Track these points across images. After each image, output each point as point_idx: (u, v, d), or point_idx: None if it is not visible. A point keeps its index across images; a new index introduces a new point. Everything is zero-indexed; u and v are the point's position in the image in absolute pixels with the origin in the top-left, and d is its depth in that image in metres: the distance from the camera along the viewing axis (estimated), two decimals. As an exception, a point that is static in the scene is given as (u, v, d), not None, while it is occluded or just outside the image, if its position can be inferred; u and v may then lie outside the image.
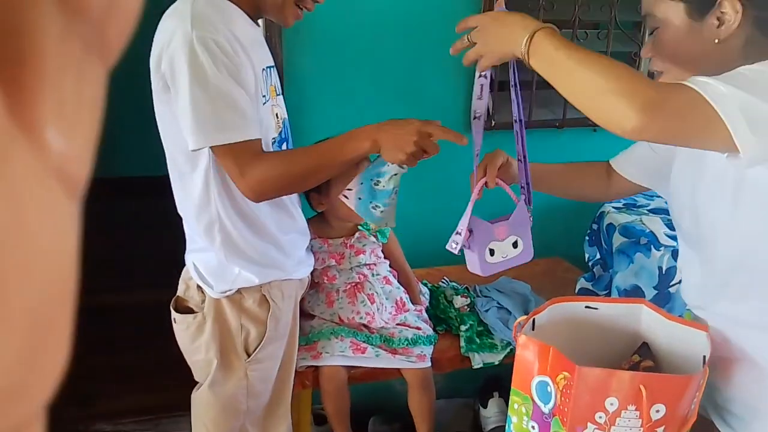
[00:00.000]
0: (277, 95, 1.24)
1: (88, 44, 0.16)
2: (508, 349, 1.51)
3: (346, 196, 1.15)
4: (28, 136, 0.14)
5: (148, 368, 2.00)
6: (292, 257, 1.28)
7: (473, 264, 1.16)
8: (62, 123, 0.15)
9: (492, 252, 1.14)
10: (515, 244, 1.15)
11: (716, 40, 0.89)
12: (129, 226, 2.86)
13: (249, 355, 1.24)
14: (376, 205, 1.17)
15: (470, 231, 1.12)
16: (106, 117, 0.17)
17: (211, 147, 1.06)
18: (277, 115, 1.22)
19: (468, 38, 1.03)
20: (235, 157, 1.05)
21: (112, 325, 2.31)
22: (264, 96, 1.15)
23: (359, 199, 1.16)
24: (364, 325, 1.45)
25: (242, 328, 1.23)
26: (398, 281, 1.54)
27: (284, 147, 1.25)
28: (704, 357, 0.99)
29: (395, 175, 1.17)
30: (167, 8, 1.09)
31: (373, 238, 1.50)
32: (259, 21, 1.23)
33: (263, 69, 1.16)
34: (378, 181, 1.16)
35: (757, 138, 0.78)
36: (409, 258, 1.62)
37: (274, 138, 1.20)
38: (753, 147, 0.78)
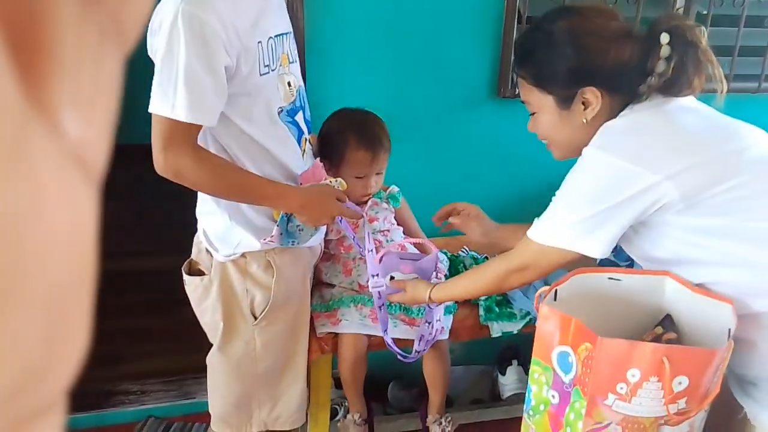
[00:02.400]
0: (291, 63, 1.22)
1: (104, 31, 0.15)
2: (527, 319, 1.50)
3: (267, 244, 1.22)
4: (46, 120, 0.14)
5: (171, 331, 2.04)
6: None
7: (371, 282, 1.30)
8: (79, 108, 0.15)
9: (392, 278, 1.30)
10: None
11: (584, 121, 1.06)
12: (151, 192, 2.90)
13: (256, 319, 1.26)
14: (292, 241, 1.26)
15: (381, 258, 1.29)
16: (125, 85, 0.17)
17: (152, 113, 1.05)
18: (289, 83, 1.20)
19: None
20: (166, 133, 1.03)
21: (136, 289, 2.35)
22: (267, 65, 1.13)
23: (280, 244, 1.23)
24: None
25: (247, 293, 1.26)
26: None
27: (299, 115, 1.24)
28: (729, 330, 0.98)
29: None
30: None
31: (385, 204, 1.50)
32: None
33: (271, 38, 1.14)
34: (289, 224, 1.24)
35: (591, 238, 1.01)
36: (428, 227, 1.61)
37: (281, 107, 1.19)
38: (591, 247, 1.02)
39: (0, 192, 0.13)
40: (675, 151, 0.99)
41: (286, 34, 1.22)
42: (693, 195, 0.98)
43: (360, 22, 1.73)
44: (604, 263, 1.74)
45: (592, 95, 1.04)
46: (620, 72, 1.03)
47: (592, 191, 1.02)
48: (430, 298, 1.25)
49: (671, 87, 1.03)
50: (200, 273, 1.28)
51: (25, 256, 0.13)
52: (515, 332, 1.50)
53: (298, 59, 1.28)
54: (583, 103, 1.06)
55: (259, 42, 1.10)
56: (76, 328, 0.16)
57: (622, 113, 1.05)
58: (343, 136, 1.37)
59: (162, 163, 1.05)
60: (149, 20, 1.06)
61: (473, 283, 1.21)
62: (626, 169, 0.99)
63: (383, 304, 1.33)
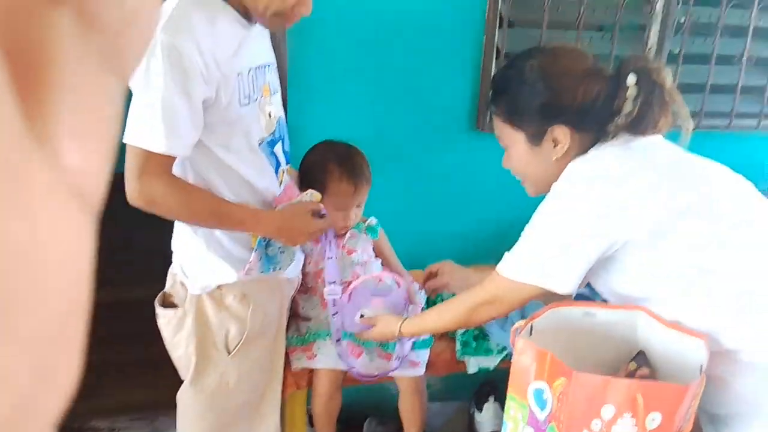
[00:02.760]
0: (272, 94, 1.23)
1: (105, 60, 0.16)
2: (503, 354, 1.50)
3: (247, 274, 1.21)
4: (45, 150, 0.14)
5: (142, 365, 1.99)
6: None
7: (345, 319, 1.32)
8: (79, 138, 0.15)
9: (362, 316, 1.31)
10: None
11: (555, 158, 1.08)
12: (126, 221, 2.86)
13: (230, 352, 1.24)
14: (272, 267, 1.26)
15: (350, 294, 1.31)
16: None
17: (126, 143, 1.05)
18: (269, 114, 1.21)
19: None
20: (141, 163, 1.03)
21: (106, 321, 2.30)
22: (247, 96, 1.14)
23: (261, 271, 1.23)
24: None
25: (222, 325, 1.24)
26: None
27: (278, 146, 1.24)
28: (701, 366, 0.99)
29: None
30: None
31: (364, 236, 1.50)
32: None
33: (252, 69, 1.15)
34: (268, 250, 1.24)
35: (562, 274, 1.03)
36: (405, 260, 1.61)
37: (262, 138, 1.19)
38: (557, 283, 1.04)
39: None
40: (640, 191, 1.01)
41: (269, 65, 1.23)
42: (656, 233, 1.00)
43: (342, 55, 1.75)
44: (581, 297, 1.75)
45: (562, 133, 1.07)
46: (588, 110, 1.06)
47: (559, 228, 1.03)
48: (400, 332, 1.25)
49: (638, 126, 1.05)
50: (174, 306, 1.26)
51: (19, 289, 0.13)
52: (492, 368, 1.50)
53: (279, 90, 1.28)
54: (553, 141, 1.08)
55: (239, 73, 1.11)
56: (68, 362, 0.15)
57: (590, 151, 1.07)
58: (325, 167, 1.37)
59: (135, 192, 1.04)
60: None
61: (442, 316, 1.21)
62: (591, 207, 1.01)
63: (336, 313, 1.34)
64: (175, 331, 1.25)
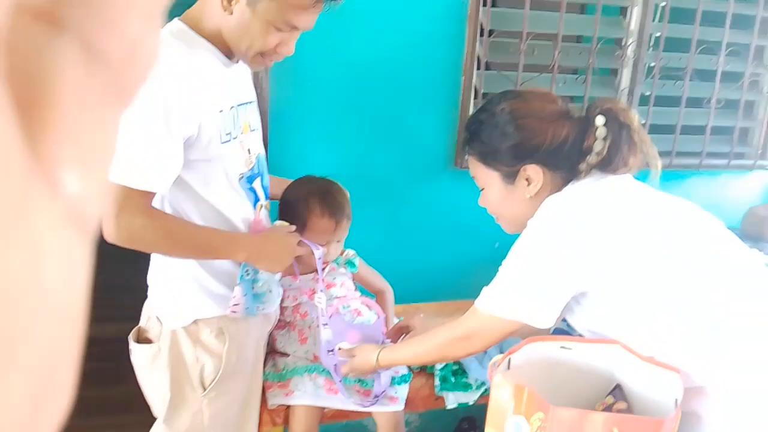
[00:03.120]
0: (252, 131, 1.23)
1: (106, 89, 0.16)
2: (482, 389, 1.49)
3: (234, 311, 1.21)
4: (47, 179, 0.14)
5: (114, 403, 1.94)
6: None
7: (321, 352, 1.33)
8: (80, 167, 0.15)
9: (339, 348, 1.32)
10: None
11: (529, 196, 1.11)
12: (104, 256, 2.83)
13: (205, 389, 1.22)
14: (258, 306, 1.26)
15: (326, 324, 1.32)
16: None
17: None
18: (249, 150, 1.21)
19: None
20: (119, 200, 1.02)
21: (86, 357, 2.24)
22: (228, 133, 1.14)
23: (246, 308, 1.23)
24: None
25: (198, 361, 1.21)
26: (377, 299, 1.55)
27: (257, 181, 1.25)
28: (676, 400, 1.00)
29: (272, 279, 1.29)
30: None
31: (342, 270, 1.50)
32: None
33: (233, 107, 1.16)
34: (254, 287, 1.24)
35: (536, 305, 1.04)
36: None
37: (242, 174, 1.19)
38: (534, 317, 1.05)
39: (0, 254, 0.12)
40: (611, 230, 1.03)
41: (250, 102, 1.24)
42: (627, 271, 1.02)
43: (323, 94, 1.78)
44: (558, 332, 1.76)
45: (534, 172, 1.10)
46: (559, 150, 1.10)
47: (535, 264, 1.05)
48: (378, 361, 1.25)
49: (609, 165, 1.09)
50: (148, 341, 1.24)
51: (19, 318, 0.13)
52: (471, 403, 1.49)
53: (260, 128, 1.29)
54: (526, 179, 1.11)
55: (220, 110, 1.12)
56: (63, 390, 0.15)
57: (565, 188, 1.10)
58: (306, 203, 1.38)
59: (114, 229, 1.03)
60: None
61: (420, 349, 1.21)
62: (565, 245, 1.03)
63: (326, 324, 1.34)
64: (148, 367, 1.23)
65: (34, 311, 0.14)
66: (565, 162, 1.10)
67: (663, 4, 2.02)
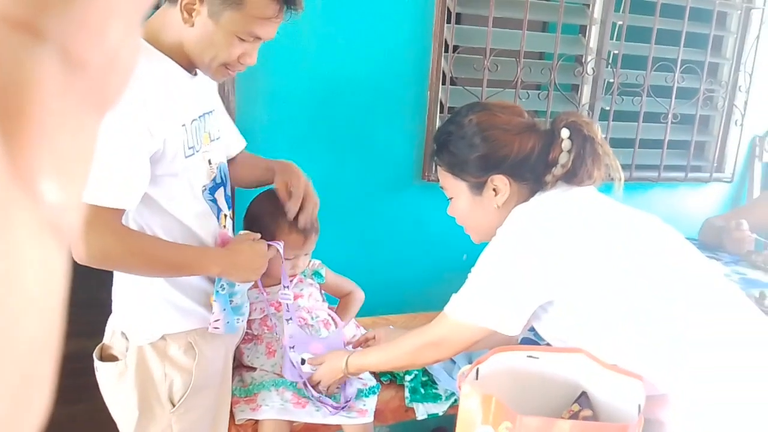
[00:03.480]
0: (212, 140, 1.22)
1: (86, 97, 0.16)
2: (452, 400, 1.50)
3: (216, 327, 1.20)
4: (26, 188, 0.14)
5: (79, 423, 1.88)
6: None
7: (285, 369, 1.35)
8: (58, 176, 0.15)
9: (303, 362, 1.35)
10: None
11: (496, 206, 1.14)
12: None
13: (174, 405, 1.20)
14: (238, 318, 1.26)
15: (290, 337, 1.34)
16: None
17: None
18: (209, 161, 1.20)
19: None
20: (89, 219, 1.00)
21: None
22: (192, 147, 1.13)
23: (227, 323, 1.22)
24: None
25: (166, 377, 1.19)
26: (341, 301, 1.55)
27: (219, 191, 1.24)
28: (639, 405, 1.02)
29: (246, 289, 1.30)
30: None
31: (309, 281, 1.50)
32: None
33: (195, 119, 1.15)
34: (232, 300, 1.23)
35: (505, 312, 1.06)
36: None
37: (205, 185, 1.19)
38: (502, 324, 1.07)
39: None
40: (576, 240, 1.06)
41: (210, 112, 1.23)
42: (591, 280, 1.05)
43: (291, 107, 1.79)
44: (525, 341, 1.79)
45: (501, 182, 1.13)
46: (525, 162, 1.13)
47: (503, 271, 1.07)
48: (347, 366, 1.25)
49: (574, 176, 1.12)
50: (113, 358, 1.22)
51: (0, 324, 0.13)
52: (441, 414, 1.49)
53: (223, 135, 1.28)
54: (493, 190, 1.14)
55: (183, 125, 1.11)
56: (41, 392, 0.15)
57: (531, 199, 1.13)
58: (274, 218, 1.37)
59: (84, 250, 1.00)
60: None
61: (389, 354, 1.22)
62: (532, 253, 1.05)
63: (290, 318, 1.35)
64: (115, 385, 1.20)
65: (14, 318, 0.14)
66: (531, 173, 1.13)
67: (620, 23, 2.09)
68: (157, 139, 1.05)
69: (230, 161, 1.37)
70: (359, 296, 1.60)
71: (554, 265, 1.04)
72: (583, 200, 1.13)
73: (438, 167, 1.22)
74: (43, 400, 0.16)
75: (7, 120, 0.14)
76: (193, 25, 1.05)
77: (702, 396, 1.04)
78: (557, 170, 1.12)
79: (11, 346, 0.14)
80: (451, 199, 1.22)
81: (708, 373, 1.04)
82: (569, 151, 1.11)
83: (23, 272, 0.14)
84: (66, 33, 0.15)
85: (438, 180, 1.93)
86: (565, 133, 1.12)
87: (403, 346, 1.19)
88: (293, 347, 1.34)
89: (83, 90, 0.16)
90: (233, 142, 1.40)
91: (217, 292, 1.18)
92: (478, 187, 1.15)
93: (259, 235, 1.25)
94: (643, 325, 1.05)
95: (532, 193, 1.14)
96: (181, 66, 1.11)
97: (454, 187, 1.19)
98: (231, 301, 1.22)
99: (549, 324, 1.13)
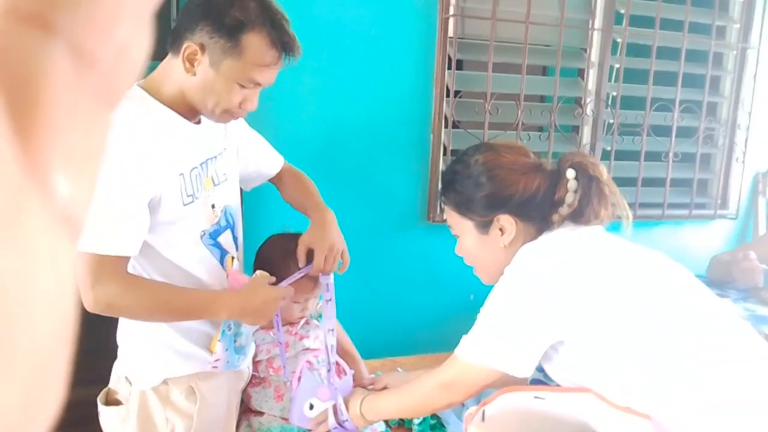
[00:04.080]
0: (216, 185, 1.23)
1: (96, 94, 0.16)
2: (461, 443, 1.48)
3: (215, 367, 1.20)
4: (38, 182, 0.14)
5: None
6: None
7: (292, 414, 1.32)
8: (70, 170, 0.15)
9: (311, 407, 1.32)
10: (335, 408, 1.32)
11: (503, 245, 1.14)
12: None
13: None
14: (240, 357, 1.27)
15: (299, 380, 1.32)
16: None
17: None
18: (213, 205, 1.21)
19: None
20: (95, 269, 1.02)
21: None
22: (191, 195, 1.15)
23: (227, 362, 1.23)
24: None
25: (168, 422, 1.18)
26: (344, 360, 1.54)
27: (224, 234, 1.25)
28: (649, 446, 1.01)
29: (252, 331, 1.31)
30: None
31: (316, 323, 1.51)
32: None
33: (195, 167, 1.16)
34: (236, 340, 1.24)
35: (514, 355, 1.05)
36: (363, 349, 1.61)
37: (204, 230, 1.19)
38: (512, 366, 1.06)
39: None
40: (585, 280, 1.06)
41: (215, 156, 1.24)
42: (602, 319, 1.04)
43: (297, 150, 1.82)
44: (534, 382, 1.77)
45: (507, 222, 1.14)
46: (531, 201, 1.14)
47: (512, 312, 1.07)
48: (362, 413, 1.25)
49: (580, 216, 1.13)
50: (118, 403, 1.22)
51: (13, 320, 0.13)
52: (450, 457, 1.47)
53: (230, 177, 1.29)
54: (500, 229, 1.15)
55: (181, 174, 1.13)
56: (55, 389, 0.15)
57: (539, 238, 1.14)
58: (285, 263, 1.38)
59: (92, 300, 1.02)
60: None
61: (401, 399, 1.21)
62: (541, 293, 1.05)
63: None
64: (117, 430, 1.20)
65: (28, 312, 0.14)
66: (537, 213, 1.14)
67: (617, 65, 2.14)
68: (156, 188, 1.07)
69: (276, 181, 1.45)
70: (362, 365, 1.58)
71: (563, 302, 1.04)
72: (590, 239, 1.13)
73: (445, 206, 1.23)
74: (57, 394, 0.15)
75: (20, 114, 0.14)
76: (194, 75, 1.09)
77: None
78: (564, 210, 1.12)
79: (25, 339, 0.14)
80: (457, 237, 1.23)
81: (719, 409, 1.03)
82: (575, 191, 1.12)
83: (36, 265, 0.14)
84: (76, 28, 0.15)
85: (444, 221, 1.96)
86: (570, 173, 1.13)
87: (414, 391, 1.18)
88: (299, 383, 1.32)
89: (93, 85, 0.16)
90: (269, 164, 1.45)
91: (223, 332, 1.19)
92: (485, 226, 1.16)
93: (274, 279, 1.25)
94: (648, 363, 1.05)
95: (539, 233, 1.15)
96: (183, 115, 1.14)
97: (461, 225, 1.20)
98: (235, 341, 1.22)
99: (560, 364, 1.12)
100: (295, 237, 1.44)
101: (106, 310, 1.05)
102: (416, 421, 1.51)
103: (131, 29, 0.17)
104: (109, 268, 1.02)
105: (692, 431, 1.04)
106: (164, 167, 1.09)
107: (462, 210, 1.18)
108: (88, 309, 1.03)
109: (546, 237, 1.13)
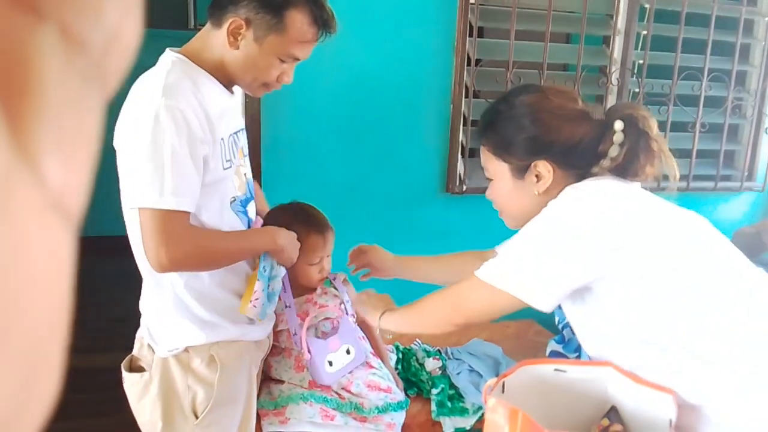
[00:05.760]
0: (245, 156, 1.28)
1: (87, 77, 0.16)
2: (479, 414, 1.49)
3: (255, 306, 1.23)
4: (28, 167, 0.14)
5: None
6: (242, 318, 1.27)
7: (318, 377, 1.36)
8: (61, 155, 0.15)
9: (331, 363, 1.36)
10: (348, 351, 1.38)
11: (537, 193, 1.10)
12: (92, 287, 2.81)
13: (197, 417, 1.21)
14: (269, 307, 1.29)
15: (309, 351, 1.36)
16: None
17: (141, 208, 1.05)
18: (245, 174, 1.26)
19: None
20: (164, 226, 1.04)
21: (72, 388, 2.22)
22: (229, 160, 1.18)
23: (263, 305, 1.25)
24: (335, 392, 1.43)
25: (189, 389, 1.20)
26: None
27: (250, 205, 1.28)
28: (670, 420, 1.00)
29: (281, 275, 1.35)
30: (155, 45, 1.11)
31: (335, 291, 1.51)
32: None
33: (231, 134, 1.20)
34: (270, 285, 1.27)
35: (540, 289, 1.02)
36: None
37: (235, 197, 1.22)
38: (536, 297, 1.02)
39: None
40: (626, 226, 1.01)
41: (242, 130, 1.29)
42: (634, 271, 1.00)
43: (317, 122, 1.81)
44: (553, 354, 1.77)
45: (545, 168, 1.08)
46: (573, 150, 1.08)
47: (543, 245, 1.03)
48: (379, 323, 1.27)
49: (624, 171, 1.07)
50: (141, 370, 1.24)
51: (5, 305, 0.13)
52: (468, 428, 1.48)
53: (248, 153, 1.33)
54: (536, 176, 1.10)
55: (222, 138, 1.16)
56: (51, 375, 0.15)
57: (583, 182, 1.08)
58: (291, 225, 1.39)
59: (165, 258, 1.04)
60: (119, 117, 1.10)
61: (421, 318, 1.23)
62: (576, 230, 1.01)
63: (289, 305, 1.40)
64: (140, 395, 1.23)
65: (21, 298, 0.14)
66: (578, 162, 1.08)
67: (644, 32, 2.08)
68: (207, 147, 1.10)
69: None
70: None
71: (599, 245, 1.00)
72: (635, 193, 1.08)
73: (482, 146, 1.17)
74: (51, 382, 0.15)
75: (9, 99, 0.14)
76: (238, 48, 1.11)
77: (740, 410, 1.01)
78: (606, 162, 1.06)
79: (19, 326, 0.14)
80: (490, 180, 1.18)
81: (754, 395, 1.01)
82: (621, 145, 1.06)
83: (27, 251, 0.14)
84: (66, 12, 0.15)
85: (463, 192, 1.94)
86: (618, 125, 1.06)
87: (435, 312, 1.19)
88: (311, 353, 1.35)
89: (83, 69, 0.16)
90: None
91: (261, 272, 1.22)
92: (521, 171, 1.11)
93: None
94: (678, 330, 1.01)
95: (576, 183, 1.09)
96: (221, 84, 1.17)
97: (496, 168, 1.14)
98: (269, 285, 1.24)
99: (584, 314, 1.08)
100: (293, 204, 1.45)
101: (178, 264, 1.07)
102: (434, 392, 1.52)
103: (121, 13, 0.16)
104: (177, 224, 1.05)
105: (714, 406, 1.03)
106: (211, 130, 1.11)
107: (500, 152, 1.13)
108: (159, 269, 1.05)
109: (591, 181, 1.08)
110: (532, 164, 1.09)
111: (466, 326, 1.16)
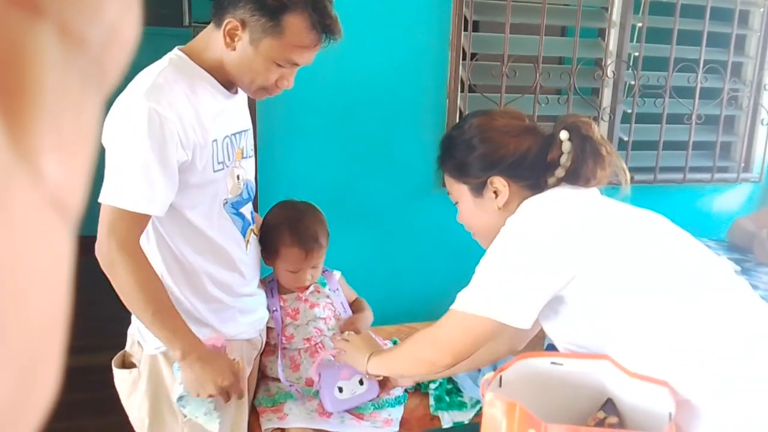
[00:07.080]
0: (244, 158, 1.26)
1: (86, 75, 0.16)
2: (477, 408, 1.49)
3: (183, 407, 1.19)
4: (27, 165, 0.14)
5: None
6: (232, 317, 1.27)
7: (325, 401, 1.35)
8: (60, 152, 0.15)
9: (341, 389, 1.35)
10: (361, 382, 1.37)
11: (497, 208, 1.15)
12: (87, 286, 2.81)
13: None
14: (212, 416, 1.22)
15: (319, 374, 1.35)
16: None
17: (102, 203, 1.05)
18: (238, 176, 1.24)
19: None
20: (114, 221, 1.03)
21: (68, 387, 2.21)
22: (221, 162, 1.17)
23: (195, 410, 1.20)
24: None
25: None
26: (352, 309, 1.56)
27: (246, 207, 1.27)
28: (670, 414, 1.00)
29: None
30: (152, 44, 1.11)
31: (327, 291, 1.51)
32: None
33: (227, 136, 1.19)
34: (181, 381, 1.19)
35: (515, 305, 1.04)
36: (379, 315, 1.62)
37: (226, 199, 1.21)
38: (510, 316, 1.04)
39: None
40: (590, 229, 1.05)
41: (245, 131, 1.27)
42: (604, 274, 1.03)
43: (311, 118, 1.81)
44: (550, 348, 1.77)
45: (500, 183, 1.14)
46: (522, 162, 1.14)
47: (510, 262, 1.06)
48: (367, 366, 1.28)
49: (576, 178, 1.12)
50: (133, 366, 1.24)
51: (4, 303, 0.13)
52: (466, 422, 1.49)
53: (253, 155, 1.32)
54: (494, 192, 1.15)
55: (214, 140, 1.15)
56: (48, 373, 0.15)
57: (540, 194, 1.13)
58: (278, 232, 1.39)
59: (105, 249, 1.05)
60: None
61: (409, 363, 1.24)
62: (541, 240, 1.04)
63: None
64: (129, 392, 1.23)
65: (15, 296, 0.14)
66: (530, 174, 1.14)
67: (640, 25, 2.07)
68: (187, 151, 1.09)
69: None
70: (368, 316, 1.59)
71: (564, 250, 1.03)
72: (590, 198, 1.13)
73: (444, 173, 1.24)
74: (51, 378, 0.15)
75: (8, 96, 0.14)
76: (234, 50, 1.10)
77: (732, 406, 1.02)
78: (559, 171, 1.12)
79: (17, 322, 0.13)
80: (456, 203, 1.23)
81: (737, 383, 1.02)
82: (569, 152, 1.12)
83: (26, 248, 0.14)
84: (65, 9, 0.15)
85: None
86: (564, 134, 1.12)
87: (404, 347, 1.21)
88: (320, 376, 1.34)
89: (83, 67, 0.16)
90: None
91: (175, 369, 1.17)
92: (479, 189, 1.17)
93: (241, 374, 1.22)
94: (660, 325, 1.03)
95: (534, 195, 1.14)
96: (222, 84, 1.16)
97: (458, 191, 1.21)
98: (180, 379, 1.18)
99: (559, 326, 1.12)
100: (297, 206, 1.45)
101: (108, 265, 1.06)
102: (432, 386, 1.52)
103: (120, 11, 0.16)
104: (128, 223, 1.05)
105: (705, 399, 1.03)
106: (200, 132, 1.10)
107: (457, 175, 1.19)
108: (97, 255, 1.05)
109: (547, 192, 1.13)
110: (488, 181, 1.15)
111: (456, 363, 1.15)
